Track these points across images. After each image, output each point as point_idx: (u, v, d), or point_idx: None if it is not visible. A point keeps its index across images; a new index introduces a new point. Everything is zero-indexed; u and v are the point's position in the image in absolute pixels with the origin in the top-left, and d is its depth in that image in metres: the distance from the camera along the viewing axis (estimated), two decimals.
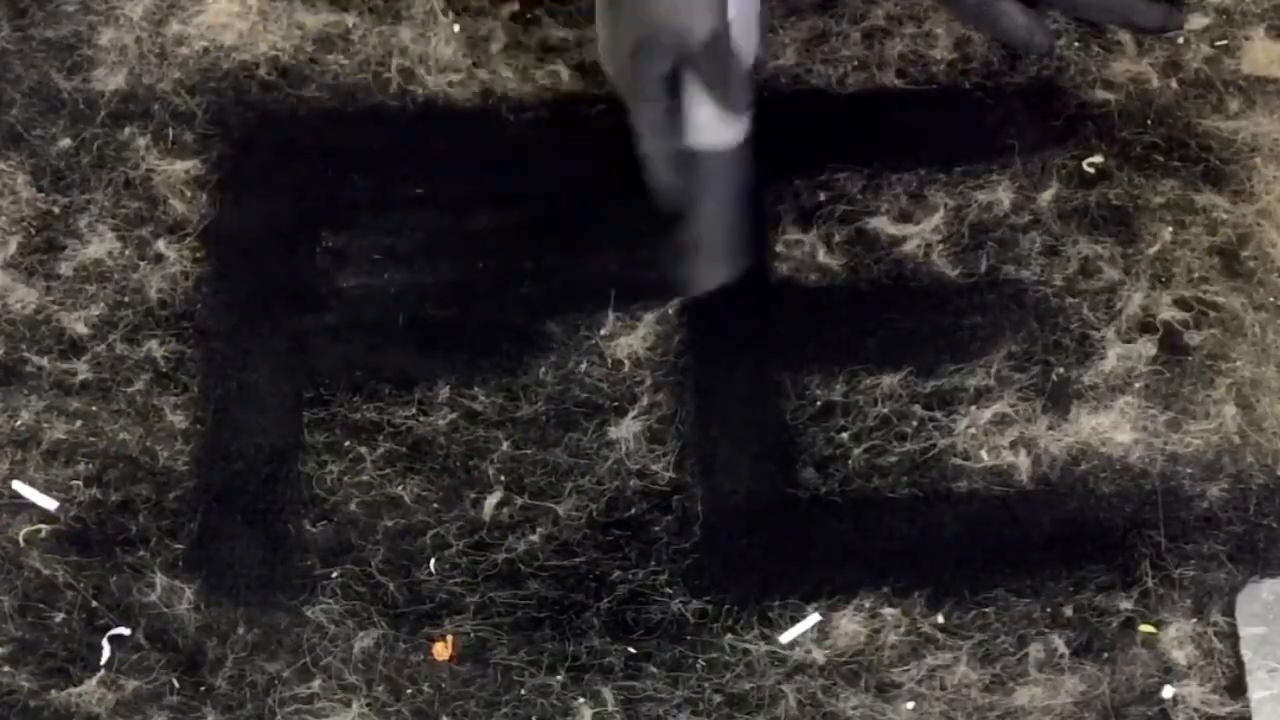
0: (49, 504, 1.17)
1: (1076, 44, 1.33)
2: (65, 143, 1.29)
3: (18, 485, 1.17)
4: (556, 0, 1.34)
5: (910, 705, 1.11)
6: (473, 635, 1.13)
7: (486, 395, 1.20)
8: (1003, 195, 1.27)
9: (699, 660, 1.13)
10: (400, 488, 1.18)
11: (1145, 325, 1.23)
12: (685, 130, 1.18)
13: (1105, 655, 1.12)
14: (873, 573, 1.15)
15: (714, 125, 1.18)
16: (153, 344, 1.22)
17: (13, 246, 1.25)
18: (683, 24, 1.14)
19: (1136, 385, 1.21)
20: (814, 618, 1.14)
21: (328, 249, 1.26)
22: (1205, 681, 1.11)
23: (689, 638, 1.13)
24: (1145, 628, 1.13)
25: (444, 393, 1.20)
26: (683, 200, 1.19)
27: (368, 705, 1.11)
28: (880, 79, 1.32)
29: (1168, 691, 1.11)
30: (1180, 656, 1.12)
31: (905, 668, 1.12)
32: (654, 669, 1.12)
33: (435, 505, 1.17)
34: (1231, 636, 1.12)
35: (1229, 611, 1.13)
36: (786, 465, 1.18)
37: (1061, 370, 1.21)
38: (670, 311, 1.23)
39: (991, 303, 1.24)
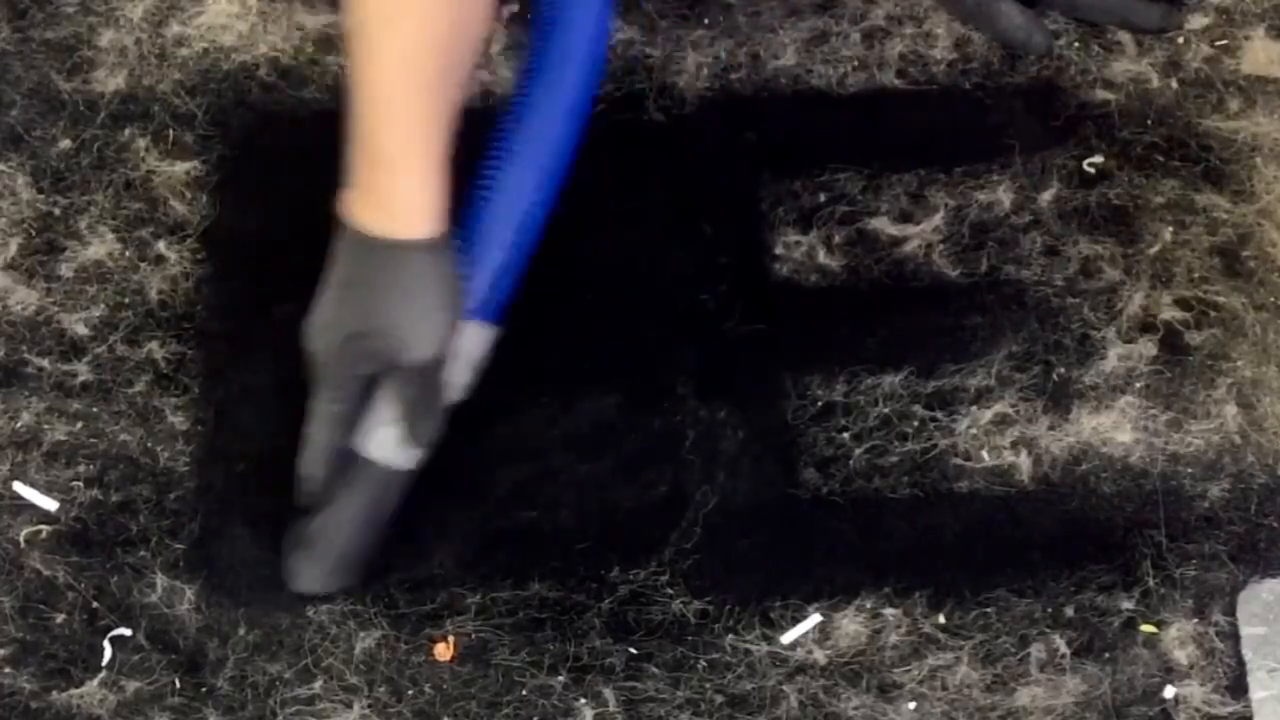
0: (50, 505, 1.17)
1: (1076, 44, 1.33)
2: (65, 144, 1.29)
3: (18, 486, 1.17)
4: None
5: (912, 705, 1.11)
6: (474, 636, 1.13)
7: (487, 394, 1.20)
8: (1003, 195, 1.27)
9: (700, 661, 1.13)
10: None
11: (1146, 325, 1.23)
12: (360, 434, 1.13)
13: (1107, 655, 1.12)
14: (874, 573, 1.15)
15: (391, 443, 1.13)
16: (153, 345, 1.22)
17: (13, 248, 1.25)
18: (405, 339, 1.09)
19: (1137, 385, 1.21)
20: (815, 618, 1.14)
21: (328, 249, 1.25)
22: (1206, 681, 1.11)
23: (690, 638, 1.13)
24: (1146, 628, 1.13)
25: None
26: (319, 497, 1.13)
27: (369, 706, 1.11)
28: (880, 79, 1.32)
29: (1169, 691, 1.11)
30: (1181, 656, 1.12)
31: (907, 668, 1.12)
32: (655, 669, 1.12)
33: (437, 505, 1.17)
34: (1232, 636, 1.12)
35: (1230, 611, 1.13)
36: (787, 465, 1.18)
37: (1062, 370, 1.21)
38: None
39: (992, 303, 1.24)
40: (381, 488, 1.14)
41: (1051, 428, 1.19)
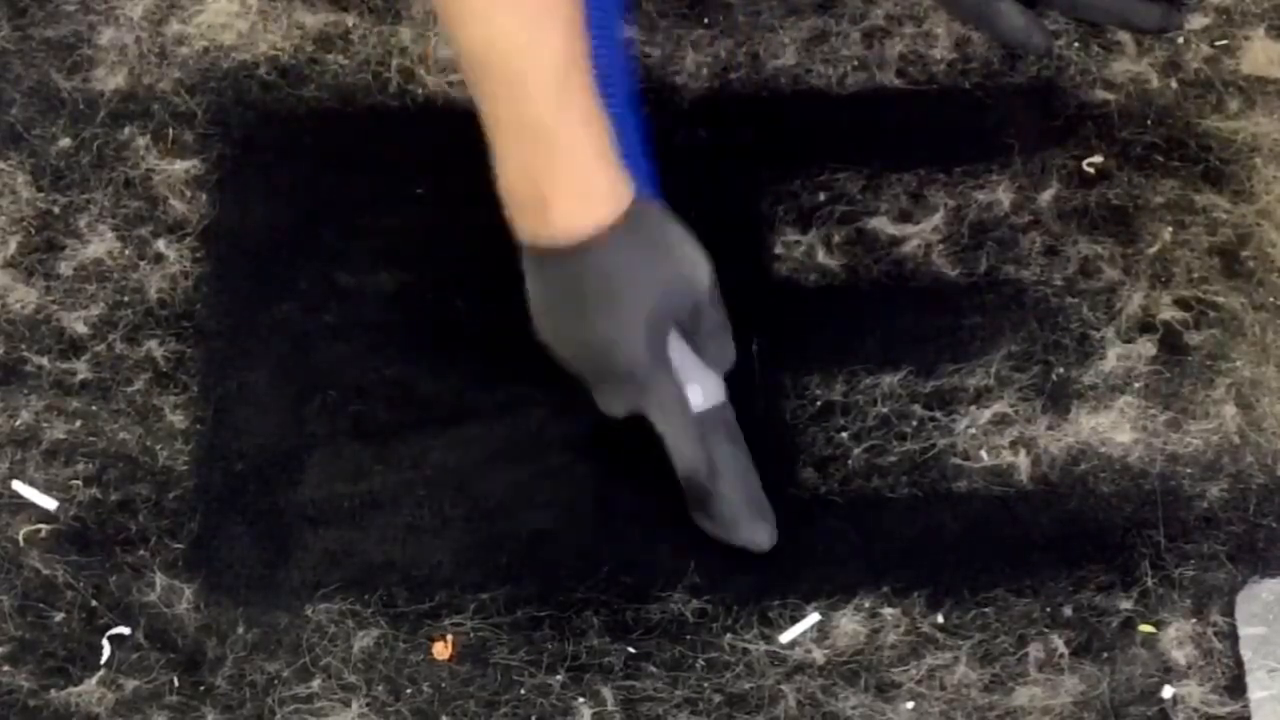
0: (49, 504, 1.17)
1: (1076, 44, 1.33)
2: (65, 142, 1.29)
3: (18, 485, 1.17)
4: None
5: (910, 705, 1.11)
6: (472, 635, 1.13)
7: (487, 394, 1.20)
8: (1003, 195, 1.27)
9: (699, 660, 1.13)
10: (402, 487, 1.18)
11: (1145, 325, 1.23)
12: (691, 398, 1.14)
13: (1105, 655, 1.12)
14: (873, 572, 1.15)
15: (711, 385, 1.15)
16: (152, 344, 1.22)
17: (13, 246, 1.25)
18: (693, 274, 1.12)
19: (1136, 385, 1.21)
20: (814, 617, 1.14)
21: (328, 249, 1.26)
22: (1205, 681, 1.11)
23: (689, 637, 1.13)
24: (1145, 628, 1.13)
25: (445, 392, 1.20)
26: (707, 474, 1.14)
27: (367, 705, 1.11)
28: (880, 79, 1.32)
29: (1167, 691, 1.11)
30: (1180, 656, 1.12)
31: (905, 667, 1.12)
32: (654, 669, 1.12)
33: (437, 504, 1.17)
34: (1231, 636, 1.12)
35: (1228, 611, 1.13)
36: (787, 465, 1.18)
37: (1061, 370, 1.21)
38: None
39: (991, 303, 1.24)
40: (732, 424, 1.16)
41: (1050, 428, 1.19)
